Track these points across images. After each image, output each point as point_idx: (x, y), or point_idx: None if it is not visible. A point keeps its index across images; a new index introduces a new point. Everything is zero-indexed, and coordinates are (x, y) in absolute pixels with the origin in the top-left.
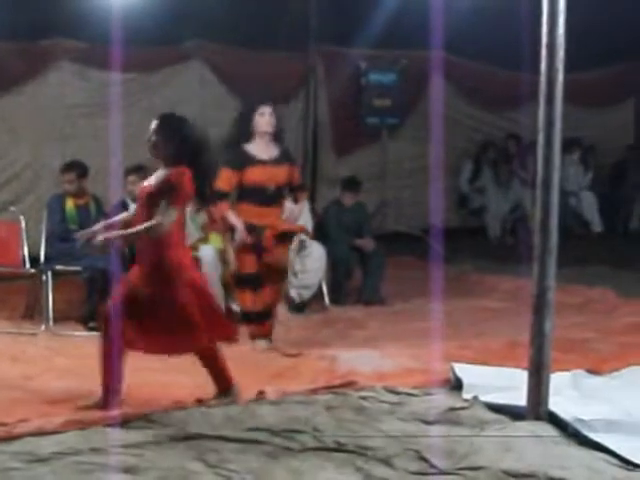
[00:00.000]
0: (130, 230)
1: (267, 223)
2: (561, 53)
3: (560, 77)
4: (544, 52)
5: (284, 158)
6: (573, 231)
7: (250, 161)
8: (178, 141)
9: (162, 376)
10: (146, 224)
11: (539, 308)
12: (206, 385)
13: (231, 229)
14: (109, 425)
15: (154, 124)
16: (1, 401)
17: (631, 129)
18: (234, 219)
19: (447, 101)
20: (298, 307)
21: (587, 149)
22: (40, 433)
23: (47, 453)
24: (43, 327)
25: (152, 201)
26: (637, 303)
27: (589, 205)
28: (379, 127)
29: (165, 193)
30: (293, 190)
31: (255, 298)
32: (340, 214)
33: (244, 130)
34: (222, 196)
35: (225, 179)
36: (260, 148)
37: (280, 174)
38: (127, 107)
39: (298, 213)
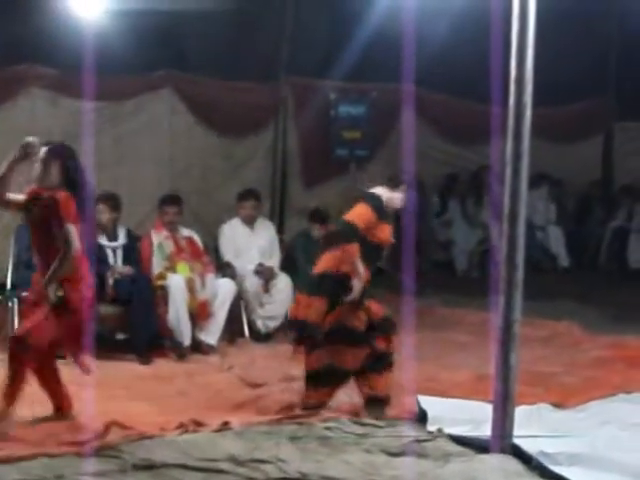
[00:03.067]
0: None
1: None
2: (529, 87)
3: (528, 111)
4: (513, 86)
5: None
6: (540, 265)
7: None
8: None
9: (125, 405)
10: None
11: (505, 341)
12: (170, 413)
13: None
14: (74, 454)
15: (43, 153)
16: None
17: (598, 165)
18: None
19: (416, 134)
20: (264, 337)
21: (555, 183)
22: (5, 461)
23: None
24: None
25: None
26: (602, 338)
27: (556, 240)
28: (348, 159)
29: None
30: None
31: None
32: (308, 245)
33: None
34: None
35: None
36: None
37: None
38: (97, 135)
39: None
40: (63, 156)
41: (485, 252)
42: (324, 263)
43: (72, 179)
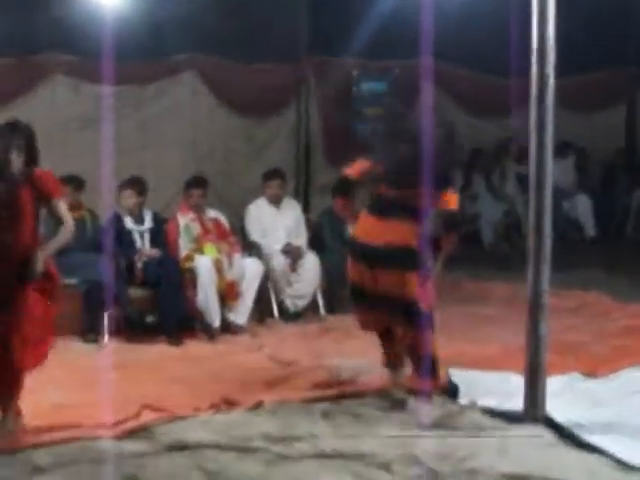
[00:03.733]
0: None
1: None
2: (552, 57)
3: (551, 81)
4: (535, 56)
5: None
6: (567, 235)
7: None
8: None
9: (157, 387)
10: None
11: (534, 311)
12: (202, 394)
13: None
14: (108, 437)
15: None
16: None
17: (622, 133)
18: None
19: (438, 109)
20: (293, 316)
21: (580, 152)
22: (39, 445)
23: (46, 464)
24: None
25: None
26: (632, 307)
27: (584, 209)
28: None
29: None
30: None
31: None
32: (336, 223)
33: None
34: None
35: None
36: None
37: None
38: (119, 120)
39: None
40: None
41: (510, 225)
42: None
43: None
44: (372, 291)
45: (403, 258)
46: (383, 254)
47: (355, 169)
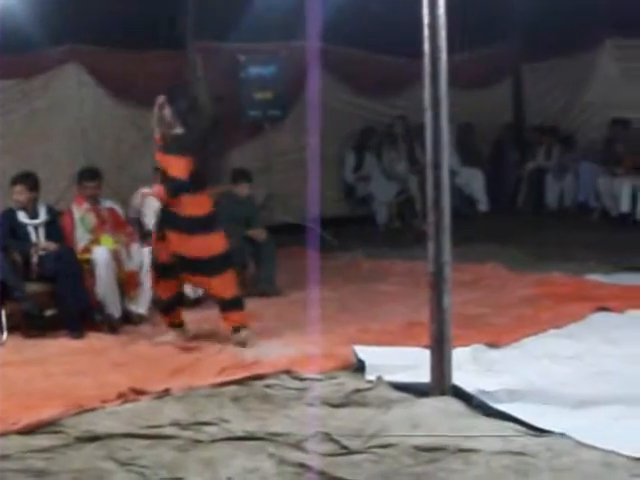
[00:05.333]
0: None
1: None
2: (443, 32)
3: (443, 56)
4: (426, 32)
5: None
6: (459, 211)
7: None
8: None
9: (62, 380)
10: None
11: (437, 284)
12: (108, 385)
13: None
14: (14, 432)
15: None
16: None
17: (509, 108)
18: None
19: (327, 90)
20: (193, 303)
21: (465, 128)
22: None
23: None
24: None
25: None
26: (528, 277)
27: (477, 184)
28: (261, 120)
29: None
30: None
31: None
32: (230, 206)
33: None
34: None
35: None
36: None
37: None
38: (6, 115)
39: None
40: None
41: (403, 203)
42: None
43: None
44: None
45: None
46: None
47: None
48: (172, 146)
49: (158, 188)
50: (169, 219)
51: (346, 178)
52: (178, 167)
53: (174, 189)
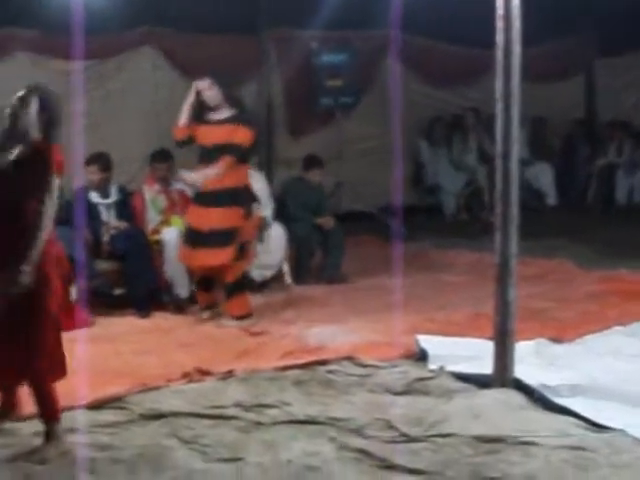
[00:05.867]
0: None
1: (208, 187)
2: (517, 24)
3: (517, 48)
4: (500, 23)
5: (232, 119)
6: (527, 204)
7: (200, 120)
8: None
9: (129, 359)
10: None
11: (502, 276)
12: (174, 364)
13: None
14: (82, 407)
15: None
16: None
17: (582, 103)
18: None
19: (399, 80)
20: (260, 286)
21: (538, 122)
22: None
23: (29, 436)
24: None
25: None
26: (595, 273)
27: (545, 178)
28: (333, 108)
29: None
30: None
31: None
32: (301, 192)
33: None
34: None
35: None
36: (213, 111)
37: (218, 134)
38: (82, 95)
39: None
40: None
41: (471, 195)
42: None
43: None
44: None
45: None
46: None
47: None
48: (237, 118)
49: (223, 160)
50: (195, 194)
51: (424, 164)
52: (245, 136)
53: (241, 155)
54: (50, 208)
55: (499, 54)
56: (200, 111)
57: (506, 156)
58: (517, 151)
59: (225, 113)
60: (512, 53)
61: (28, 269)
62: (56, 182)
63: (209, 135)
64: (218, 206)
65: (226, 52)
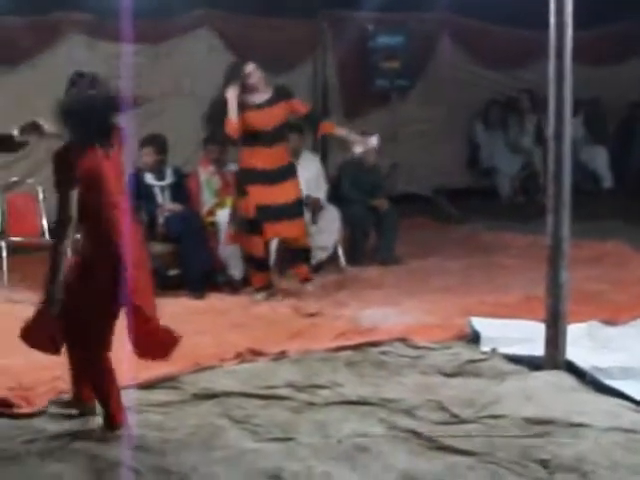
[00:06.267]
0: None
1: (272, 165)
2: (569, 6)
3: (569, 30)
4: (553, 6)
5: (277, 98)
6: (582, 187)
7: (245, 107)
8: None
9: (186, 338)
10: None
11: (554, 259)
12: (227, 345)
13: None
14: (136, 387)
15: None
16: (29, 367)
17: (637, 86)
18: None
19: (455, 62)
20: (314, 268)
21: (593, 105)
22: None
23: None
24: None
25: None
26: None
27: (601, 161)
28: (388, 89)
29: None
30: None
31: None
32: (356, 174)
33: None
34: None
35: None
36: (253, 95)
37: (275, 114)
38: (137, 78)
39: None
40: None
41: (527, 178)
42: None
43: None
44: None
45: None
46: None
47: None
48: (282, 94)
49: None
50: (249, 174)
51: (479, 145)
52: (304, 106)
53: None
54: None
55: (552, 35)
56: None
57: (558, 137)
58: (570, 132)
59: (268, 93)
60: (565, 34)
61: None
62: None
63: (266, 118)
64: (285, 180)
65: (282, 34)
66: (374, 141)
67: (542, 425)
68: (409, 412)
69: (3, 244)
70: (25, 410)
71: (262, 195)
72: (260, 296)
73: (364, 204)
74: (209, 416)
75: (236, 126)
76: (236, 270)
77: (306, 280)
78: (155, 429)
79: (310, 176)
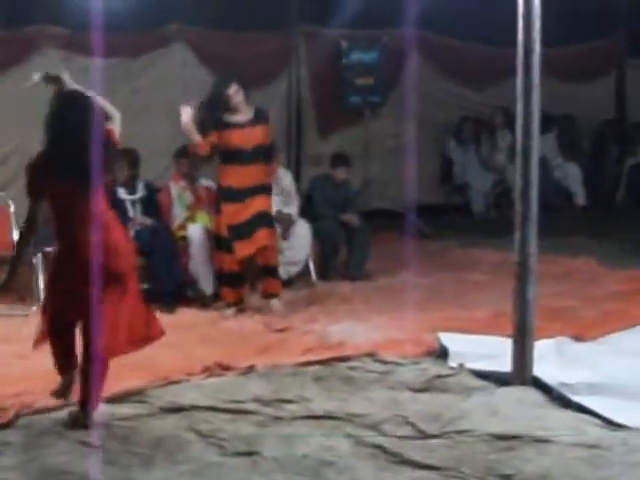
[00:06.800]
0: None
1: (248, 184)
2: (537, 23)
3: (537, 46)
4: (520, 22)
5: (257, 119)
6: (555, 204)
7: (227, 126)
8: None
9: (150, 352)
10: None
11: (522, 275)
12: (195, 359)
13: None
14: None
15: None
16: None
17: (611, 104)
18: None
19: (427, 78)
20: (285, 283)
21: (566, 121)
22: (38, 411)
23: (46, 427)
24: (34, 308)
25: None
26: (620, 272)
27: (574, 178)
28: (361, 106)
29: None
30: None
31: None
32: (327, 190)
33: (218, 101)
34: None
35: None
36: (235, 114)
37: (256, 134)
38: (111, 93)
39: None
40: None
41: (500, 194)
42: None
43: None
44: None
45: None
46: None
47: None
48: (262, 116)
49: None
50: (225, 193)
51: (453, 162)
52: (271, 135)
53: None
54: None
55: (519, 51)
56: (217, 117)
57: (526, 153)
58: (537, 148)
59: (249, 113)
60: (532, 51)
61: None
62: None
63: (247, 138)
64: (256, 195)
65: (256, 49)
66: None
67: (507, 440)
68: (375, 427)
69: None
70: None
71: (234, 214)
72: (230, 311)
73: (335, 219)
74: (175, 430)
75: (203, 144)
76: (207, 285)
77: (273, 296)
78: (121, 442)
79: (281, 192)
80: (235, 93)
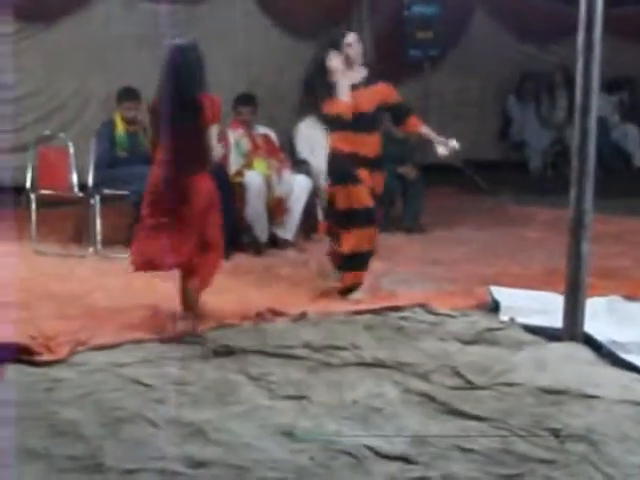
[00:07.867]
0: None
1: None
2: None
3: (599, 2)
4: None
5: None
6: (613, 164)
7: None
8: None
9: (205, 296)
10: None
11: (576, 230)
12: (249, 304)
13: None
14: (159, 341)
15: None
16: (52, 317)
17: None
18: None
19: (489, 34)
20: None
21: (632, 84)
22: (93, 348)
23: (100, 364)
24: (91, 250)
25: None
26: None
27: (633, 139)
28: (422, 59)
29: None
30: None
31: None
32: (385, 143)
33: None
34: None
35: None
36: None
37: (378, 94)
38: (172, 39)
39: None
40: None
41: (558, 153)
42: None
43: None
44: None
45: None
46: None
47: None
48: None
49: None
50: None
51: (512, 118)
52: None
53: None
54: None
55: (582, 7)
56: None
57: (585, 111)
58: (596, 106)
59: (362, 71)
60: (595, 6)
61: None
62: None
63: (367, 99)
64: (379, 170)
65: (318, 1)
66: (455, 144)
67: (555, 395)
68: (424, 376)
69: (32, 197)
70: (46, 358)
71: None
72: (359, 294)
73: (391, 172)
74: (226, 372)
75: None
76: (261, 232)
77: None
78: (174, 382)
79: None
80: (353, 43)
